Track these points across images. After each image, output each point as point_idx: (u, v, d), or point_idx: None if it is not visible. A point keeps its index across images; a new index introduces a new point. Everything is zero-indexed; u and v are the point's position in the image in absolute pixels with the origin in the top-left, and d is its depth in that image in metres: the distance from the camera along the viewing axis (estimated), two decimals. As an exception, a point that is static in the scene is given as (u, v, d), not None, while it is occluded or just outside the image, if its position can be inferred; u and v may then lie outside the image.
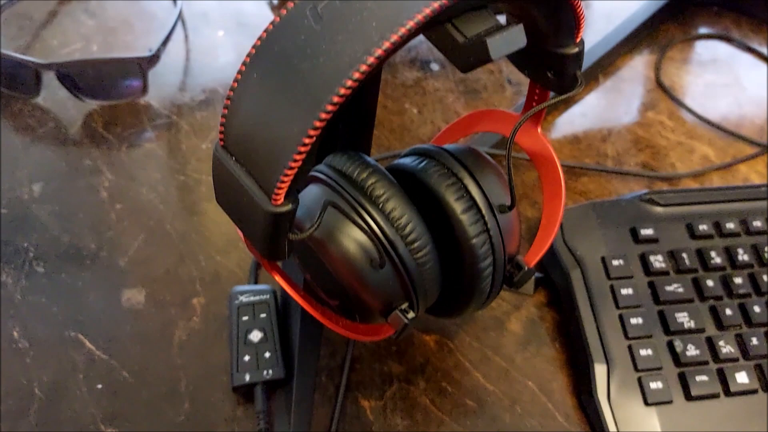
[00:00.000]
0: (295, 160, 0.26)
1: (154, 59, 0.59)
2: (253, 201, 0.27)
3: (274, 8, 0.69)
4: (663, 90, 0.65)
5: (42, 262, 0.51)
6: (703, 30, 0.71)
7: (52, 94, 0.60)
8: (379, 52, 0.24)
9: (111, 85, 0.58)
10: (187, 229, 0.53)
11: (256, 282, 0.50)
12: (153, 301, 0.49)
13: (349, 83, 0.24)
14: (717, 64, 0.68)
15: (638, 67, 0.67)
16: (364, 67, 0.24)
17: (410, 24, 0.24)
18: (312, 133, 0.25)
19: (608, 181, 0.58)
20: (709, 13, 0.73)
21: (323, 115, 0.25)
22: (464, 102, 0.63)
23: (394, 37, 0.24)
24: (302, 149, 0.25)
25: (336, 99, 0.25)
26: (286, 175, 0.26)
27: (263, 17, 0.69)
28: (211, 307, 0.49)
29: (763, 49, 0.69)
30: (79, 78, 0.57)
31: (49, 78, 0.58)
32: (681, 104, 0.64)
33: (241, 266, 0.51)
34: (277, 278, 0.34)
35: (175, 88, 0.62)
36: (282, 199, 0.27)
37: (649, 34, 0.70)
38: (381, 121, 0.61)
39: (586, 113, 0.63)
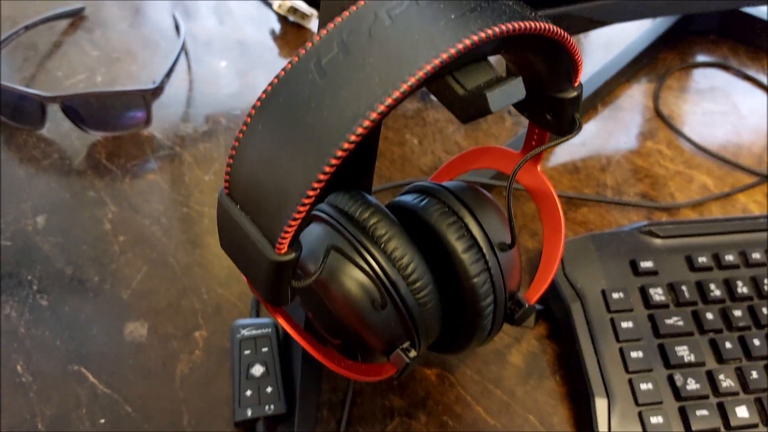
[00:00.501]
0: (299, 211, 0.26)
1: (157, 91, 0.59)
2: (257, 249, 0.28)
3: (277, 38, 0.70)
4: (661, 119, 0.66)
5: (46, 294, 0.51)
6: (700, 58, 0.72)
7: (57, 126, 0.60)
8: (381, 107, 0.25)
9: (115, 117, 0.59)
10: (190, 261, 0.53)
11: (257, 315, 0.51)
12: (155, 334, 0.49)
13: (353, 137, 0.25)
14: (715, 92, 0.69)
15: (636, 96, 0.68)
16: (367, 122, 0.25)
17: (412, 80, 0.25)
18: (316, 185, 0.26)
19: (608, 211, 0.58)
20: (706, 41, 0.74)
21: (327, 168, 0.25)
22: (464, 133, 0.63)
23: (396, 93, 0.25)
24: (306, 201, 0.26)
25: (339, 153, 0.25)
26: (290, 225, 0.27)
27: (266, 48, 0.69)
28: (213, 340, 0.49)
29: (761, 77, 0.70)
30: (83, 110, 0.57)
31: (54, 110, 0.58)
32: (679, 133, 0.64)
33: (243, 299, 0.51)
34: (280, 320, 0.34)
35: (178, 118, 0.63)
36: (286, 248, 0.28)
37: (647, 63, 0.70)
38: (382, 151, 0.61)
39: (585, 143, 0.63)
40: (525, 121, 0.64)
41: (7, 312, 0.50)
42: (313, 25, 0.72)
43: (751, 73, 0.70)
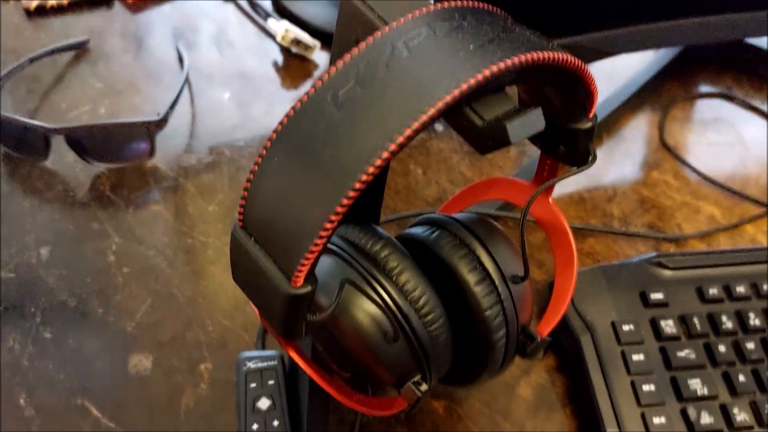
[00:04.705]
0: (316, 245, 0.26)
1: (161, 123, 0.59)
2: (272, 283, 0.27)
3: (279, 70, 0.70)
4: (667, 149, 0.66)
5: (49, 327, 0.50)
6: (704, 88, 0.72)
7: (60, 157, 0.60)
8: (400, 139, 0.24)
9: (119, 149, 0.59)
10: (194, 293, 0.53)
11: (263, 347, 0.50)
12: (160, 367, 0.49)
13: (371, 170, 0.25)
14: (719, 122, 0.69)
15: (641, 126, 0.68)
16: (386, 154, 0.24)
17: (431, 111, 0.24)
18: (333, 218, 0.25)
19: (615, 242, 0.58)
20: (709, 72, 0.74)
21: (345, 201, 0.25)
22: (468, 162, 0.63)
23: (415, 125, 0.24)
24: (323, 234, 0.25)
25: (357, 185, 0.25)
26: (307, 259, 0.26)
27: (269, 79, 0.69)
28: (219, 373, 0.49)
29: (765, 108, 0.70)
30: (87, 142, 0.57)
31: (58, 142, 0.58)
32: (685, 164, 0.64)
33: (248, 330, 0.51)
34: (292, 354, 0.34)
35: (181, 150, 0.62)
36: (302, 281, 0.27)
37: (651, 94, 0.71)
38: (386, 182, 0.61)
39: (590, 173, 0.63)
40: (530, 152, 0.64)
41: (10, 344, 0.49)
42: (316, 56, 0.72)
43: (756, 103, 0.71)
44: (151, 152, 0.59)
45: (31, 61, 0.66)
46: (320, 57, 0.72)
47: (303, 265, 0.26)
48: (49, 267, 0.53)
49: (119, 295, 0.52)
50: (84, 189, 0.59)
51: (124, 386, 0.48)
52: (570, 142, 0.34)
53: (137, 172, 0.60)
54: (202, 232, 0.56)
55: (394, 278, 0.34)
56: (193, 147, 0.63)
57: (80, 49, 0.70)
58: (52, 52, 0.68)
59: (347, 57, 0.27)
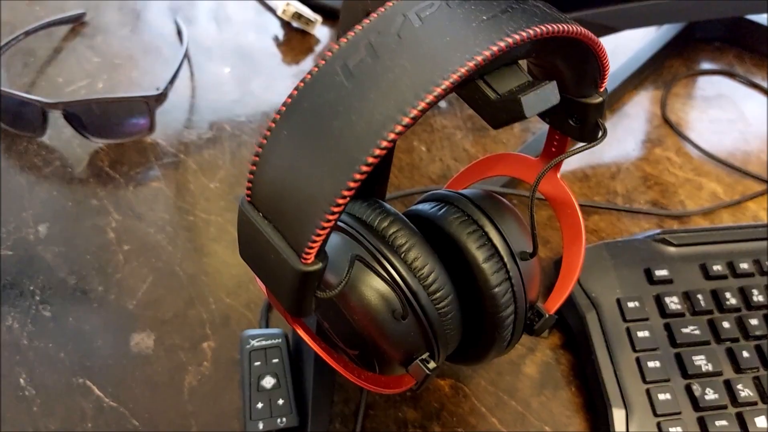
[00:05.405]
0: (328, 220, 0.25)
1: (161, 98, 0.58)
2: (282, 259, 0.27)
3: (280, 45, 0.69)
4: (669, 126, 0.65)
5: (49, 305, 0.50)
6: (706, 65, 0.72)
7: (58, 133, 0.59)
8: (414, 112, 0.24)
9: (118, 124, 0.58)
10: (196, 270, 0.52)
11: (267, 325, 0.50)
12: (162, 346, 0.48)
13: (384, 144, 0.24)
14: (721, 99, 0.68)
15: (644, 103, 0.67)
16: (399, 128, 0.24)
17: (446, 84, 0.24)
18: (346, 193, 0.25)
19: (619, 219, 0.58)
20: (711, 49, 0.73)
21: (357, 176, 0.24)
22: (472, 139, 0.63)
23: (430, 97, 0.24)
24: (335, 209, 0.25)
25: (371, 160, 0.24)
26: (318, 235, 0.26)
27: (269, 54, 0.69)
28: (222, 351, 0.48)
29: (766, 84, 0.70)
30: (85, 117, 0.56)
31: (55, 116, 0.57)
32: (688, 140, 0.64)
33: (251, 308, 0.50)
34: (300, 332, 0.33)
35: (181, 125, 0.62)
36: (312, 258, 0.27)
37: (653, 71, 0.70)
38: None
39: (594, 150, 0.63)
40: (535, 128, 0.63)
41: (9, 323, 0.49)
42: (318, 31, 0.71)
43: (757, 80, 0.70)
44: (151, 128, 0.59)
45: (27, 34, 0.65)
46: (321, 32, 0.71)
47: (314, 241, 0.26)
48: (48, 244, 0.53)
49: (120, 272, 0.52)
50: (82, 165, 0.58)
51: (125, 365, 0.47)
52: (580, 117, 0.34)
53: (137, 148, 0.59)
54: (203, 210, 0.56)
55: (403, 255, 0.34)
56: (194, 122, 0.62)
57: (77, 23, 0.69)
58: (48, 25, 0.67)
59: (358, 27, 0.26)
